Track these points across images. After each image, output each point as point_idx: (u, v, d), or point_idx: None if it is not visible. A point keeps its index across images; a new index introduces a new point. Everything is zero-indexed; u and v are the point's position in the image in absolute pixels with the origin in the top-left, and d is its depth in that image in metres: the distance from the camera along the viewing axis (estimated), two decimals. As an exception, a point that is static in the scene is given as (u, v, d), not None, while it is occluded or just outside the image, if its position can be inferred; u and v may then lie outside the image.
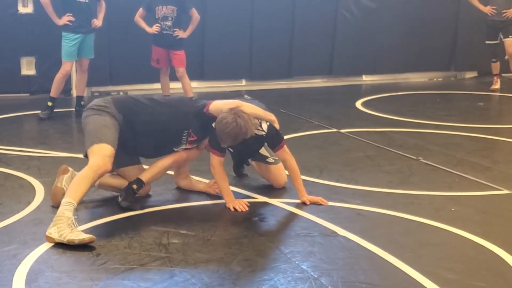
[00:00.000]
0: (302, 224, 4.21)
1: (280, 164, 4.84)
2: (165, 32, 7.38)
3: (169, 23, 7.37)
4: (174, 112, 4.43)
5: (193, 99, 4.69)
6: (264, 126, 4.47)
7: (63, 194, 4.06)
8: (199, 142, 4.54)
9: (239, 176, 5.13)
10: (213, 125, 4.36)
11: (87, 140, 4.23)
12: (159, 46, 7.49)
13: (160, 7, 7.34)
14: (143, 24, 7.47)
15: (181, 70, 7.53)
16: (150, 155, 4.66)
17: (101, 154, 4.09)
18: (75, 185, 3.97)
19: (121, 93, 8.43)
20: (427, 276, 3.44)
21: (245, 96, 8.33)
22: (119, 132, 4.30)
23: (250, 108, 4.45)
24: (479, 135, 6.65)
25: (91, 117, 4.32)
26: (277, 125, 4.55)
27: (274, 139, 4.54)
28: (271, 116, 4.56)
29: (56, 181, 4.39)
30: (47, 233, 3.75)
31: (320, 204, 4.49)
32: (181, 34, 7.43)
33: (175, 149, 4.52)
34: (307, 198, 4.53)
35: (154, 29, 7.37)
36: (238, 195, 4.60)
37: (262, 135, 4.48)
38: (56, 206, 4.03)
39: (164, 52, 7.50)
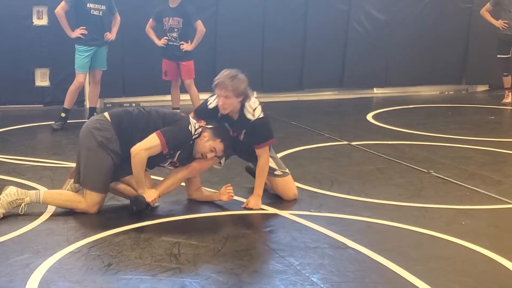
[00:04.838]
0: (312, 236, 4.21)
1: (289, 177, 4.86)
2: (171, 43, 7.46)
3: (175, 34, 7.44)
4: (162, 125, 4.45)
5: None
6: (257, 112, 4.50)
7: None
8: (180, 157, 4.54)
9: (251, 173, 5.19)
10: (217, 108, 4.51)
11: (85, 175, 4.42)
12: (167, 59, 7.57)
13: (167, 18, 7.43)
14: (153, 36, 7.58)
15: (188, 82, 7.58)
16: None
17: (93, 202, 4.42)
18: (60, 197, 4.48)
19: (133, 105, 8.48)
20: (437, 290, 3.45)
21: None
22: (119, 156, 4.40)
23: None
24: (491, 148, 6.63)
25: (92, 152, 4.39)
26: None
27: (259, 132, 4.54)
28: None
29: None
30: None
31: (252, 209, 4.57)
32: (186, 46, 7.45)
33: (162, 165, 4.60)
34: (253, 201, 4.59)
35: (162, 41, 7.47)
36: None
37: (250, 119, 4.50)
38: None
39: (172, 64, 7.55)
